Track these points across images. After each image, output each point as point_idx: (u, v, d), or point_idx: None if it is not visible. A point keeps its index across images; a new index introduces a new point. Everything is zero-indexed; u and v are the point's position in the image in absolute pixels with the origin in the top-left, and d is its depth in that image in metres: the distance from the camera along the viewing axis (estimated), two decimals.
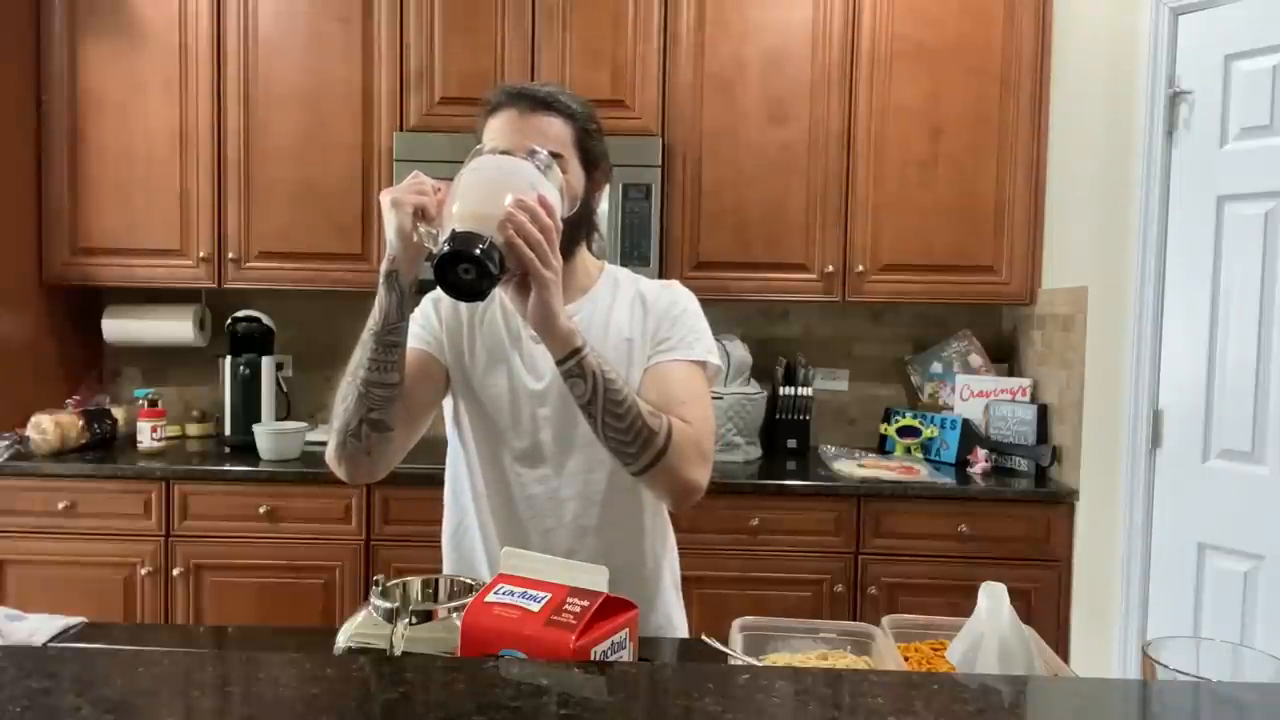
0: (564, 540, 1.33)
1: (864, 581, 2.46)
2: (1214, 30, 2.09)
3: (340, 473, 1.27)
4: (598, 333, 1.32)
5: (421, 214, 1.14)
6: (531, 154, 1.18)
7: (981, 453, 2.64)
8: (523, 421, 1.33)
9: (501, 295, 1.32)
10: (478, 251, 1.04)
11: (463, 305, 1.34)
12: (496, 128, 1.29)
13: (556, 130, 1.28)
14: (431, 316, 1.36)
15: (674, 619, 1.43)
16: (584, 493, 1.33)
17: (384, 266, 1.18)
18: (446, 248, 1.04)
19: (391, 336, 1.19)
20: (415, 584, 1.04)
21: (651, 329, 1.34)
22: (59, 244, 2.77)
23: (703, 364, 1.32)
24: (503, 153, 1.18)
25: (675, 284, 1.42)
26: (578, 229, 1.31)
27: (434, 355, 1.34)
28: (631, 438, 1.17)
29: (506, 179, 1.13)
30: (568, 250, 1.27)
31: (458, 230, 1.06)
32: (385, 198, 1.15)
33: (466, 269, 1.05)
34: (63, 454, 2.58)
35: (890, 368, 3.07)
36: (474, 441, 1.37)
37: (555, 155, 1.24)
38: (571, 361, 1.15)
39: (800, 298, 2.77)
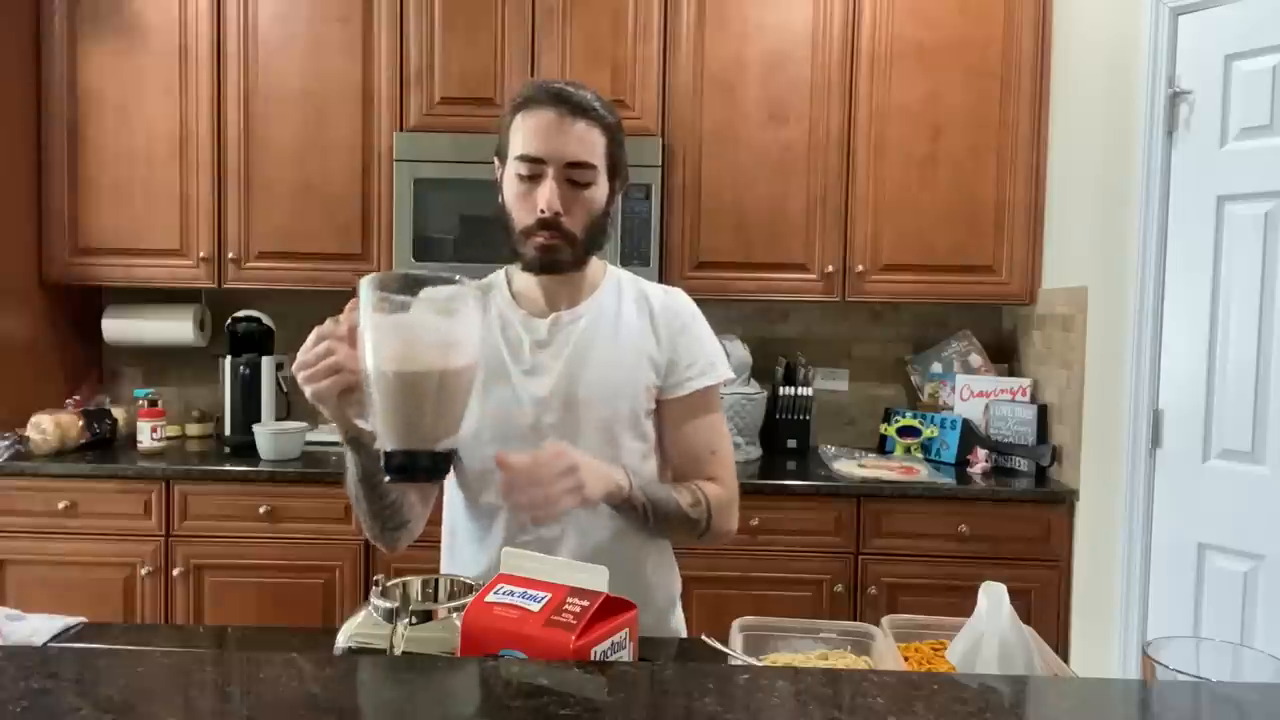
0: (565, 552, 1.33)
1: (864, 581, 2.46)
2: (1214, 30, 2.09)
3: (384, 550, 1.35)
4: (607, 332, 1.32)
5: (348, 387, 1.06)
6: (451, 284, 1.01)
7: (981, 453, 2.64)
8: (525, 435, 1.29)
9: (500, 304, 1.34)
10: (424, 471, 0.98)
11: None
12: (534, 129, 1.24)
13: (593, 139, 1.26)
14: None
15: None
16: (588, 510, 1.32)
17: (340, 434, 1.15)
18: (391, 472, 0.97)
19: (381, 486, 1.21)
20: (415, 584, 1.04)
21: (665, 346, 1.34)
22: (59, 244, 2.77)
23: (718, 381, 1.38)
24: (411, 277, 0.99)
25: (677, 292, 1.42)
26: (598, 237, 1.30)
27: None
28: (681, 533, 1.32)
29: (442, 385, 0.97)
30: (584, 258, 1.30)
31: (394, 455, 0.97)
32: (306, 388, 1.07)
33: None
34: (63, 454, 2.58)
35: (890, 368, 3.07)
36: (471, 457, 1.33)
37: (587, 166, 1.24)
38: (623, 502, 1.23)
39: (800, 298, 2.77)
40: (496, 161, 1.33)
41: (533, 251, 1.25)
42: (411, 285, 0.98)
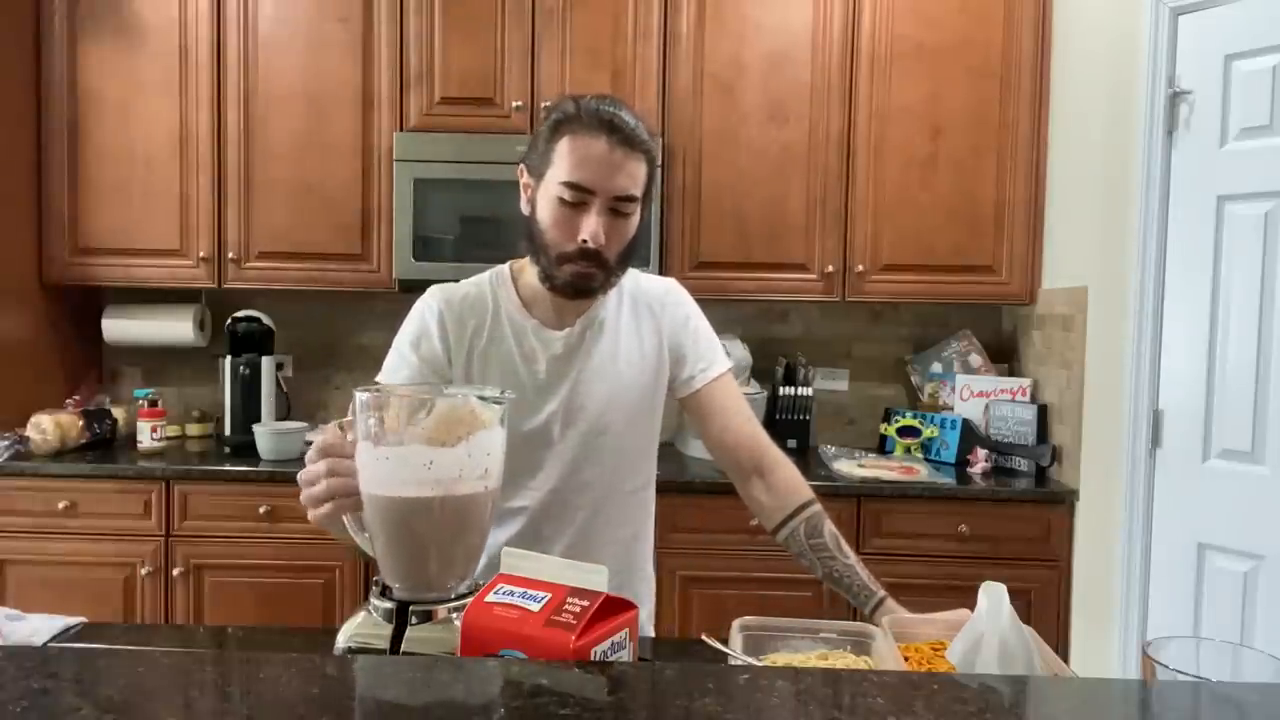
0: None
1: None
2: (1214, 30, 2.09)
3: None
4: (610, 340, 1.35)
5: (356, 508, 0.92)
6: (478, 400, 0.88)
7: (981, 453, 2.64)
8: (539, 446, 1.33)
9: (510, 310, 1.34)
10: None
11: (452, 334, 1.32)
12: (584, 158, 1.21)
13: (639, 172, 1.25)
14: (432, 369, 1.31)
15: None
16: (596, 501, 1.35)
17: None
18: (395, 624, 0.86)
19: None
20: None
21: (671, 344, 1.38)
22: (59, 244, 2.77)
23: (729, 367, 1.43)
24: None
25: (672, 283, 1.44)
26: (628, 260, 1.31)
27: None
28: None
29: (443, 519, 0.85)
30: (614, 282, 1.31)
31: (405, 602, 0.86)
32: (308, 512, 0.98)
33: None
34: (63, 454, 2.58)
35: (890, 368, 3.07)
36: None
37: (632, 198, 1.24)
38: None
39: (800, 298, 2.77)
40: (524, 171, 1.31)
41: (567, 277, 1.25)
42: (409, 407, 0.86)
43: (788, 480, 1.38)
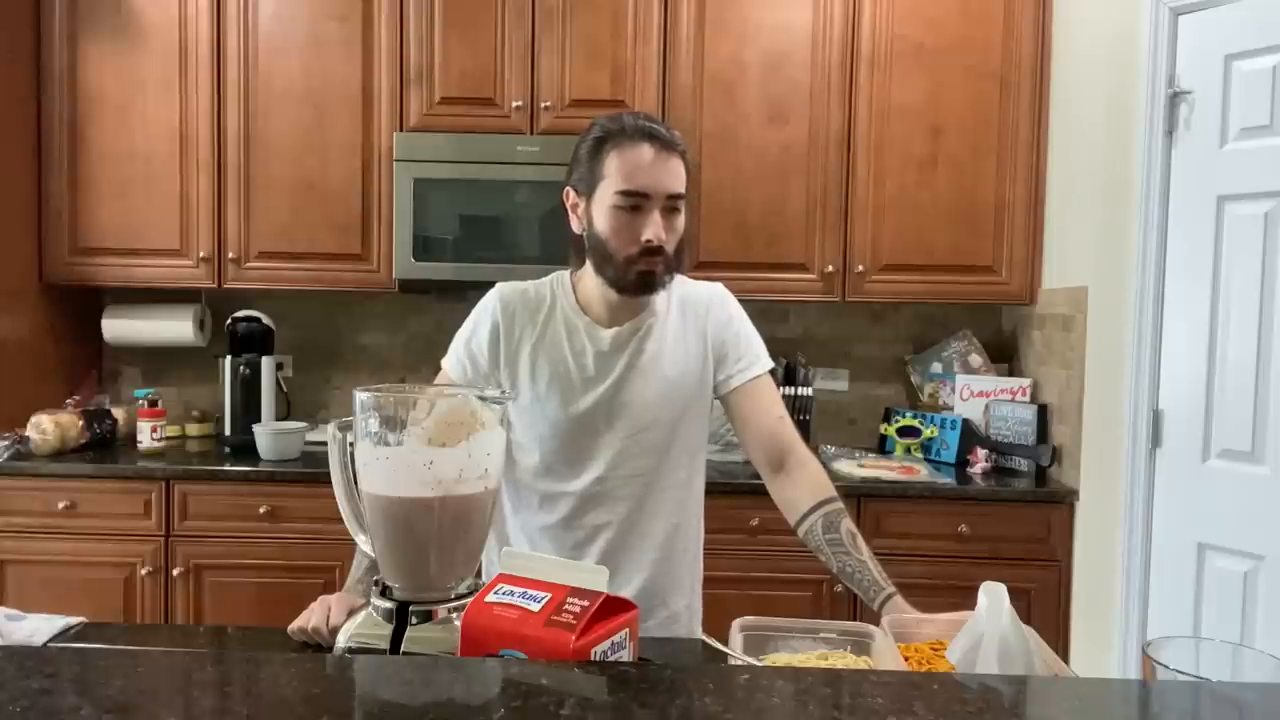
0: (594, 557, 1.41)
1: None
2: (1214, 30, 2.09)
3: None
4: (656, 342, 1.41)
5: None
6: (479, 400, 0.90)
7: (981, 453, 2.64)
8: (583, 440, 1.40)
9: (566, 309, 1.42)
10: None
11: (503, 329, 1.40)
12: (636, 165, 1.31)
13: (681, 171, 1.35)
14: (472, 363, 1.41)
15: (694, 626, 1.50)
16: (641, 492, 1.41)
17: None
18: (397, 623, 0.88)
19: None
20: None
21: (714, 344, 1.45)
22: (59, 244, 2.77)
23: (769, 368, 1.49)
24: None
25: (717, 288, 1.52)
26: (684, 254, 1.40)
27: None
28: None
29: (443, 520, 0.86)
30: (674, 276, 1.38)
31: (405, 602, 0.87)
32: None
33: None
34: (63, 454, 2.58)
35: (890, 368, 3.07)
36: (519, 463, 1.42)
37: (681, 196, 1.33)
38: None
39: (800, 298, 2.77)
40: (570, 193, 1.40)
41: (635, 277, 1.34)
42: (409, 407, 0.87)
43: (810, 477, 1.42)
